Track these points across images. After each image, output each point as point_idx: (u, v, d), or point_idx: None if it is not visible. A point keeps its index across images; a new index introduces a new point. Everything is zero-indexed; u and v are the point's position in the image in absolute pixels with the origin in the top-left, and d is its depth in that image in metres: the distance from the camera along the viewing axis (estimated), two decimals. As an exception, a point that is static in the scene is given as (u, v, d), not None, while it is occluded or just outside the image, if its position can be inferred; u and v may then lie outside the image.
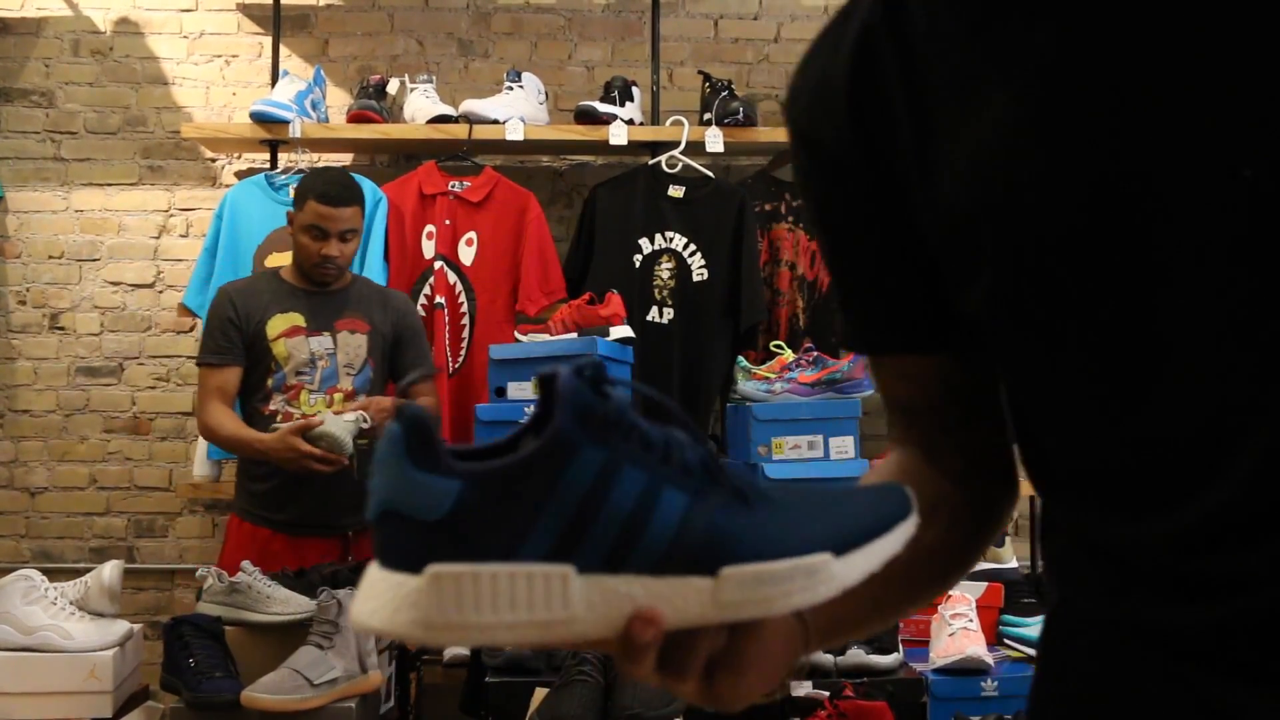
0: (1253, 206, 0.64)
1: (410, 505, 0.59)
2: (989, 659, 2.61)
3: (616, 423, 0.62)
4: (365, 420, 2.77)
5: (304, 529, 2.90)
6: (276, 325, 2.93)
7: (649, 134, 3.58)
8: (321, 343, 2.94)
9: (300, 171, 3.52)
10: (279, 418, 2.90)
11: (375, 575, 0.61)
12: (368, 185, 3.52)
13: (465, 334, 3.50)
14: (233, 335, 2.92)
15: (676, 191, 3.58)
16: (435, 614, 0.59)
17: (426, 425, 0.60)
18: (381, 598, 0.60)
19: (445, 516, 0.59)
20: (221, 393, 2.92)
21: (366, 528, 2.90)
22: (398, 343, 3.02)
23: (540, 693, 2.29)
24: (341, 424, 2.72)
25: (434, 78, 3.69)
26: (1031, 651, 2.84)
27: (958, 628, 2.63)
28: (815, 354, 3.40)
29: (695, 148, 3.56)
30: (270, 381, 2.93)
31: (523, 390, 2.81)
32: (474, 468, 0.60)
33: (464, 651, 3.30)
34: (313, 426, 2.74)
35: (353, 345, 2.96)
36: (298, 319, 2.95)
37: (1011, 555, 3.33)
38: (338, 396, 2.91)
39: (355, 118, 3.54)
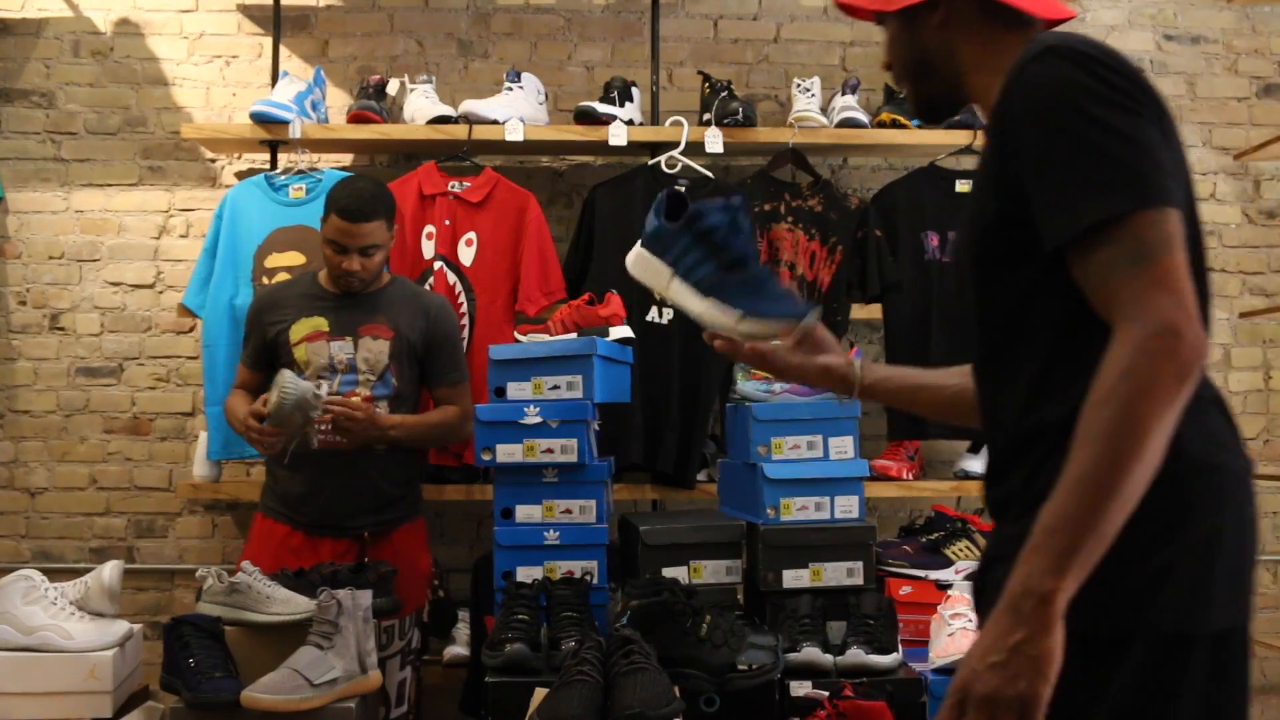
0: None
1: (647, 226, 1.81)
2: (988, 659, 2.60)
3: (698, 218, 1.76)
4: (318, 389, 2.81)
5: (322, 529, 2.92)
6: (299, 329, 2.96)
7: (649, 134, 3.58)
8: (342, 347, 2.94)
9: (301, 172, 3.53)
10: None
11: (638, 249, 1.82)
12: (368, 185, 3.53)
13: (465, 334, 3.50)
14: (261, 342, 3.01)
15: (676, 192, 3.58)
16: (636, 263, 1.80)
17: (677, 197, 1.81)
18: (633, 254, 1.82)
19: (651, 233, 1.79)
20: (243, 385, 3.06)
21: (381, 530, 2.93)
22: (429, 349, 3.02)
23: (540, 693, 2.29)
24: (287, 391, 2.72)
25: (434, 78, 3.69)
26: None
27: (957, 628, 2.63)
28: (815, 354, 3.40)
29: (695, 148, 3.56)
30: None
31: (522, 390, 2.80)
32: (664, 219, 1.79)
33: (464, 651, 3.30)
34: (256, 435, 2.82)
35: (374, 351, 2.95)
36: (322, 324, 2.96)
37: (1011, 555, 3.32)
38: (356, 400, 2.90)
39: (355, 118, 3.54)
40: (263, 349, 3.01)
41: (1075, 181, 1.28)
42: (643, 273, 1.81)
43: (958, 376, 1.73)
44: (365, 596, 2.43)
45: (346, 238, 2.86)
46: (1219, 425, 1.37)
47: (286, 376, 2.73)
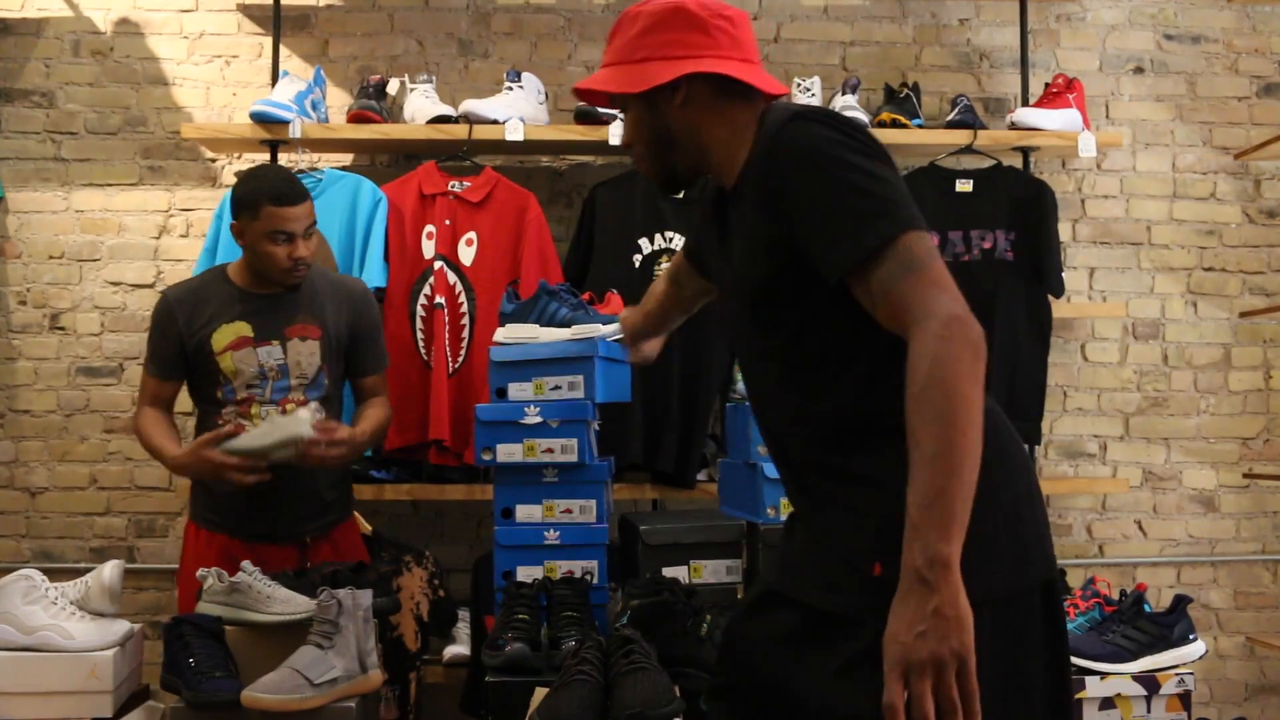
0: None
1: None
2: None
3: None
4: (319, 412, 2.75)
5: (263, 537, 2.80)
6: (222, 338, 2.79)
7: (649, 134, 3.57)
8: (271, 354, 2.79)
9: (301, 172, 3.52)
10: (230, 429, 2.79)
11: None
12: (368, 185, 3.53)
13: (465, 334, 3.50)
14: (173, 349, 2.81)
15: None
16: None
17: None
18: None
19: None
20: (156, 399, 2.86)
21: (321, 533, 2.87)
22: (356, 340, 2.90)
23: (540, 693, 2.29)
24: (269, 430, 2.62)
25: (434, 78, 3.69)
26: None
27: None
28: (815, 354, 3.40)
29: (695, 148, 3.55)
30: (220, 394, 2.81)
31: (524, 391, 2.80)
32: None
33: (464, 651, 3.30)
34: (227, 436, 2.65)
35: (304, 353, 2.82)
36: (244, 329, 2.79)
37: (1011, 555, 3.32)
38: (290, 408, 2.80)
39: (355, 118, 3.54)
40: (178, 358, 2.81)
41: (849, 218, 1.49)
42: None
43: (680, 284, 2.15)
44: (365, 596, 2.43)
45: (290, 223, 2.71)
46: (993, 405, 1.61)
47: (283, 421, 2.66)
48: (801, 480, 1.68)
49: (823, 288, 1.54)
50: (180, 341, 2.81)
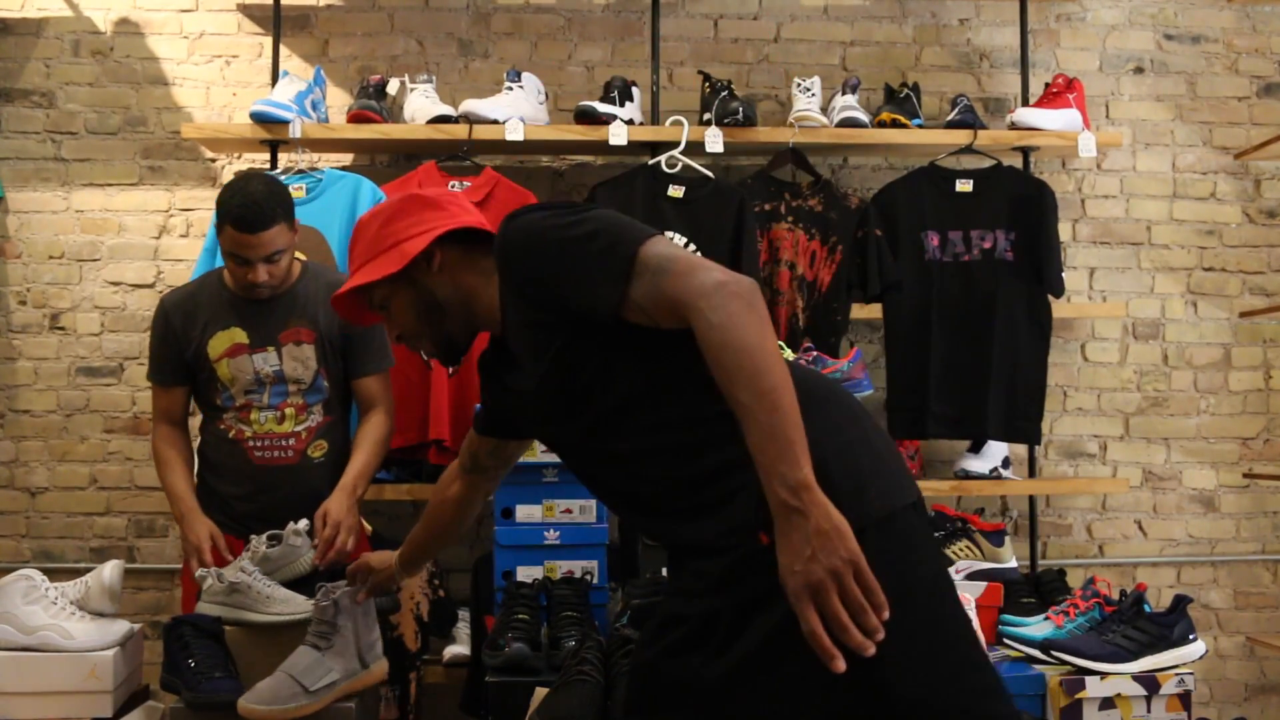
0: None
1: None
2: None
3: None
4: (302, 532, 2.65)
5: (259, 528, 2.75)
6: (218, 345, 2.79)
7: (649, 134, 3.58)
8: (266, 360, 2.79)
9: (301, 172, 3.52)
10: (231, 434, 2.82)
11: None
12: (367, 185, 3.52)
13: (465, 334, 3.50)
14: (174, 356, 2.83)
15: (676, 191, 3.58)
16: None
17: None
18: None
19: None
20: (168, 415, 2.88)
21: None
22: (350, 342, 2.86)
23: (540, 693, 2.29)
24: (275, 588, 2.55)
25: (434, 78, 3.69)
26: (1032, 651, 2.84)
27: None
28: (815, 354, 3.40)
29: (695, 148, 3.56)
30: (219, 400, 2.82)
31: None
32: None
33: (464, 651, 3.30)
34: (211, 563, 2.64)
35: (300, 359, 2.81)
36: (239, 335, 2.79)
37: (1011, 555, 3.33)
38: (289, 411, 2.81)
39: (355, 118, 3.54)
40: (179, 365, 2.83)
41: (589, 262, 1.63)
42: None
43: (444, 508, 2.23)
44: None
45: (246, 250, 2.67)
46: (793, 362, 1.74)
47: (286, 570, 2.63)
48: (662, 517, 1.72)
49: (605, 335, 1.66)
50: (178, 348, 2.82)
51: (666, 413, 1.67)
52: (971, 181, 3.70)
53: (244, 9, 3.86)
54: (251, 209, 2.64)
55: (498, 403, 2.00)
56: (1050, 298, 3.67)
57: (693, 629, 1.65)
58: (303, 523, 2.65)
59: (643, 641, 1.81)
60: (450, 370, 3.43)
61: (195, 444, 2.96)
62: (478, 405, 2.11)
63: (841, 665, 1.47)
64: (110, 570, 2.50)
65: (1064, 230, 3.90)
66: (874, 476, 1.63)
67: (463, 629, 3.36)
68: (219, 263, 3.42)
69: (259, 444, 2.81)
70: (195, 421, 3.00)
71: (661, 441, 1.68)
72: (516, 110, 3.52)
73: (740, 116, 3.54)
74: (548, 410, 1.79)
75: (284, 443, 2.83)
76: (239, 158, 3.84)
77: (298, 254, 3.25)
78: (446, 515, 2.23)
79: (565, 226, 1.67)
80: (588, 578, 2.70)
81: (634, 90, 3.65)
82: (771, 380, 1.50)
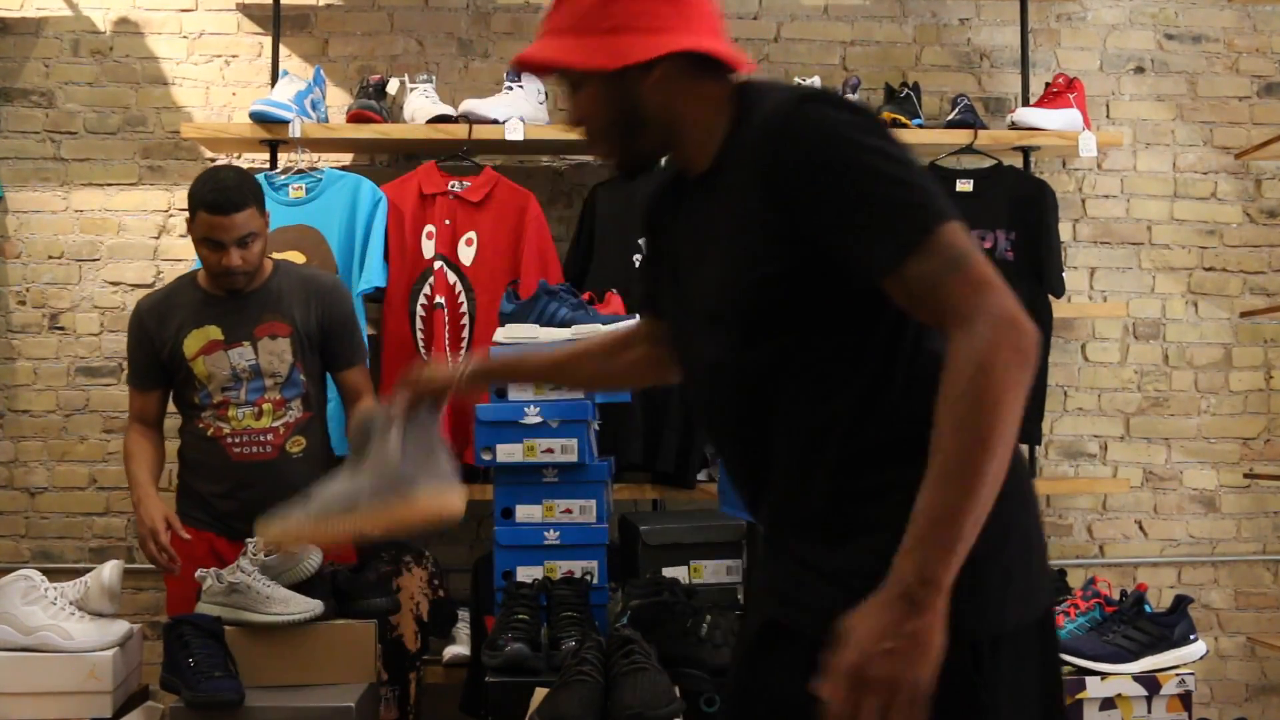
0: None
1: None
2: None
3: None
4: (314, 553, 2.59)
5: (250, 534, 2.65)
6: (193, 343, 2.82)
7: (649, 134, 3.57)
8: (242, 355, 2.82)
9: (301, 171, 3.52)
10: (210, 432, 2.84)
11: None
12: (367, 185, 3.52)
13: (465, 334, 3.50)
14: (150, 359, 2.86)
15: (677, 191, 3.57)
16: None
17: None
18: None
19: None
20: (142, 417, 2.91)
21: None
22: (326, 336, 2.90)
23: (540, 693, 2.29)
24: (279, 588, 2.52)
25: (434, 78, 3.69)
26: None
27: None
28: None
29: (695, 147, 3.55)
30: (197, 399, 2.85)
31: (524, 391, 2.80)
32: None
33: (464, 651, 3.29)
34: (167, 544, 2.75)
35: (275, 352, 2.84)
36: (214, 332, 2.82)
37: (1012, 555, 3.32)
38: (267, 407, 2.84)
39: (355, 118, 3.54)
40: (155, 368, 2.87)
41: (884, 211, 1.34)
42: None
43: (592, 360, 1.85)
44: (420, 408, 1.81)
45: (220, 232, 2.71)
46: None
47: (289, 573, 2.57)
48: (792, 507, 1.49)
49: (838, 286, 1.39)
50: (154, 351, 2.84)
51: (847, 406, 1.43)
52: (972, 181, 3.70)
53: (244, 9, 3.86)
54: (222, 193, 2.71)
55: (652, 266, 1.73)
56: (1051, 297, 3.67)
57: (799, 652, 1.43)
58: None
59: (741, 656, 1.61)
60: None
61: (175, 447, 2.97)
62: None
63: None
64: (110, 570, 2.50)
65: (1064, 230, 3.89)
66: (1026, 578, 1.44)
67: (462, 629, 3.35)
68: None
69: (237, 440, 2.83)
70: (175, 424, 3.00)
71: (823, 432, 1.44)
72: (516, 110, 3.52)
73: (740, 116, 3.53)
74: (709, 304, 1.50)
75: (262, 438, 2.84)
76: (239, 157, 3.84)
77: (289, 254, 3.26)
78: (628, 373, 1.85)
79: (873, 151, 1.36)
80: (588, 578, 2.70)
81: (634, 90, 3.65)
82: (990, 464, 1.27)
